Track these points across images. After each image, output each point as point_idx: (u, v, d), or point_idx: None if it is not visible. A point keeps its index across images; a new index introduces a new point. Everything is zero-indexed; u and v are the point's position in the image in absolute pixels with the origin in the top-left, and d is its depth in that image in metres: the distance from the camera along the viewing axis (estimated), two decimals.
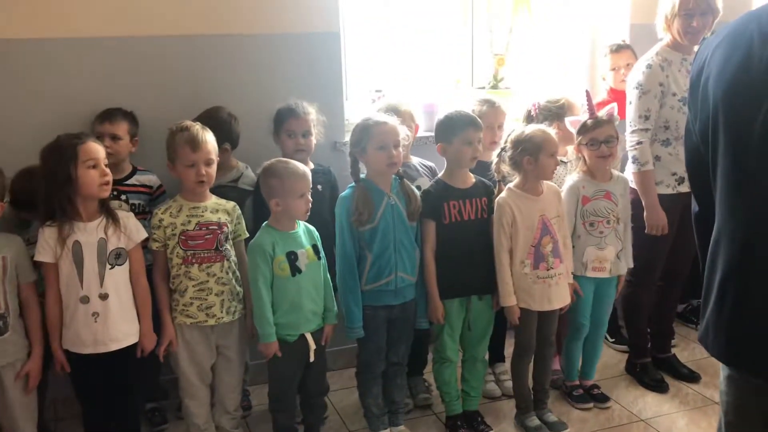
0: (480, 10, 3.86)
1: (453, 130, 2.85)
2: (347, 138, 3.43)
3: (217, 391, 2.80)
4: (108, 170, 2.46)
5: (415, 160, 3.22)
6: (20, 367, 2.46)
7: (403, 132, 2.79)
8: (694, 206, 1.93)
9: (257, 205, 2.97)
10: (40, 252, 2.43)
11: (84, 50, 3.02)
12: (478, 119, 2.91)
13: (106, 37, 3.03)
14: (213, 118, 2.90)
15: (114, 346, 2.50)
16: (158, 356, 2.64)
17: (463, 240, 2.88)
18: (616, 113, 3.11)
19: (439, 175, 2.96)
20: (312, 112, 3.03)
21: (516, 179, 2.94)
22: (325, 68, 3.37)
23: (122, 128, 2.93)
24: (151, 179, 3.04)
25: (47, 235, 2.42)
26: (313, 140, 3.05)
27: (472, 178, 2.93)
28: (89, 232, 2.46)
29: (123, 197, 2.87)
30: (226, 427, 2.82)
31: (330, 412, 3.13)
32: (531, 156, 2.85)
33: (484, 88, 3.82)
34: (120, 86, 3.06)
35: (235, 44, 3.22)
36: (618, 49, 3.77)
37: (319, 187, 2.99)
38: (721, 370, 1.83)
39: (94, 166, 2.43)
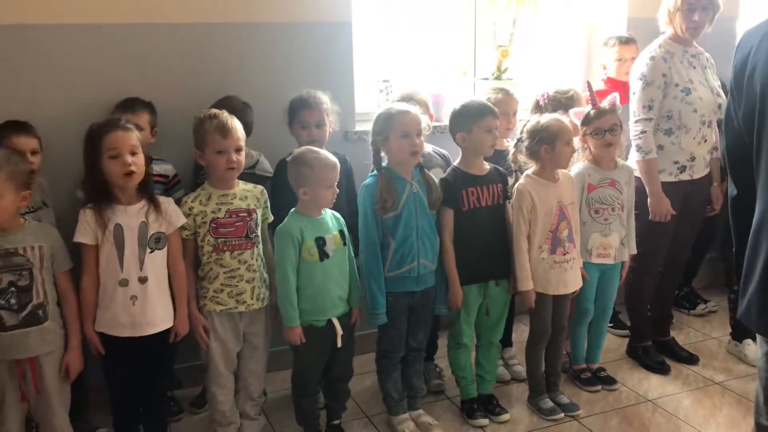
0: (483, 2, 3.89)
1: (472, 118, 2.87)
2: (358, 127, 3.46)
3: (241, 379, 2.79)
4: (130, 160, 2.42)
5: (429, 148, 3.23)
6: (59, 356, 2.44)
7: (425, 121, 2.81)
8: (732, 190, 1.99)
9: (275, 191, 2.96)
10: (80, 233, 2.41)
11: (101, 37, 2.97)
12: (495, 108, 2.94)
13: (122, 23, 2.99)
14: (226, 107, 2.86)
15: (150, 330, 2.49)
16: (198, 339, 2.64)
17: (481, 226, 2.91)
18: (618, 102, 3.18)
19: (455, 163, 2.98)
20: (325, 102, 3.01)
21: (533, 167, 2.99)
22: (336, 58, 3.37)
23: (143, 119, 2.89)
24: (166, 169, 3.01)
25: (88, 217, 2.42)
26: (327, 130, 3.04)
27: (487, 165, 2.96)
28: (130, 216, 2.46)
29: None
30: (249, 413, 2.82)
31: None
32: (548, 145, 2.89)
33: (487, 79, 3.86)
34: (135, 74, 3.03)
35: (250, 32, 3.20)
36: (627, 41, 3.85)
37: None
38: (759, 348, 1.91)
39: (116, 156, 2.41)
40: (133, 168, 2.42)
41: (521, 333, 3.54)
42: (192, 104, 2.92)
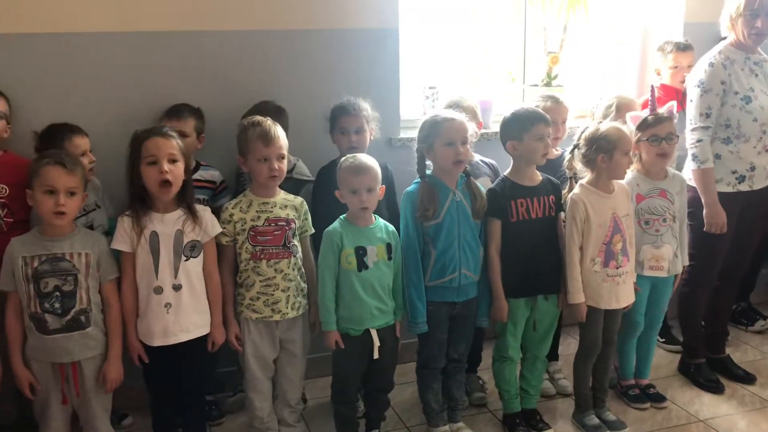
0: (533, 7, 3.78)
1: (523, 126, 2.75)
2: (402, 134, 3.39)
3: (279, 385, 2.74)
4: (167, 167, 2.38)
5: (477, 157, 3.14)
6: (100, 362, 2.43)
7: (471, 128, 2.71)
8: None
9: (315, 199, 2.92)
10: (117, 240, 2.41)
11: (150, 45, 2.96)
12: (546, 115, 2.82)
13: (170, 31, 2.98)
14: (261, 111, 2.81)
15: (184, 337, 2.46)
16: (231, 347, 2.61)
17: (530, 238, 2.79)
18: (675, 110, 3.04)
19: (505, 173, 2.87)
20: (365, 109, 2.94)
21: (588, 176, 2.86)
22: (382, 64, 3.29)
23: (189, 125, 2.88)
24: (214, 175, 2.99)
25: (125, 225, 2.42)
26: (368, 137, 2.97)
27: (539, 176, 2.84)
28: (166, 224, 2.44)
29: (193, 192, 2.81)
30: (287, 420, 2.77)
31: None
32: (605, 154, 2.76)
33: (537, 85, 3.74)
34: (183, 81, 3.02)
35: (296, 40, 3.15)
36: (684, 48, 3.67)
37: None
38: None
39: (154, 162, 2.39)
40: (168, 176, 2.38)
41: (569, 346, 3.42)
42: (239, 111, 2.89)
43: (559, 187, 2.90)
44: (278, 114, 2.90)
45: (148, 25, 2.95)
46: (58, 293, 2.33)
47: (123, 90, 2.95)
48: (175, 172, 2.41)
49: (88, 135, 2.72)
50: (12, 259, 2.32)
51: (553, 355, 3.32)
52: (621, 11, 4.01)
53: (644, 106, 3.13)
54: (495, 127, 3.04)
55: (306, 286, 2.70)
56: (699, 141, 3.11)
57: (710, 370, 3.37)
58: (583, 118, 3.47)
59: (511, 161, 2.86)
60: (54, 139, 2.60)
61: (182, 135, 2.80)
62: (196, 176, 2.90)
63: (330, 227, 2.61)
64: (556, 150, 3.14)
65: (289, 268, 2.61)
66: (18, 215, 2.58)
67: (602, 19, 4.00)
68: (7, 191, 2.61)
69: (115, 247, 2.42)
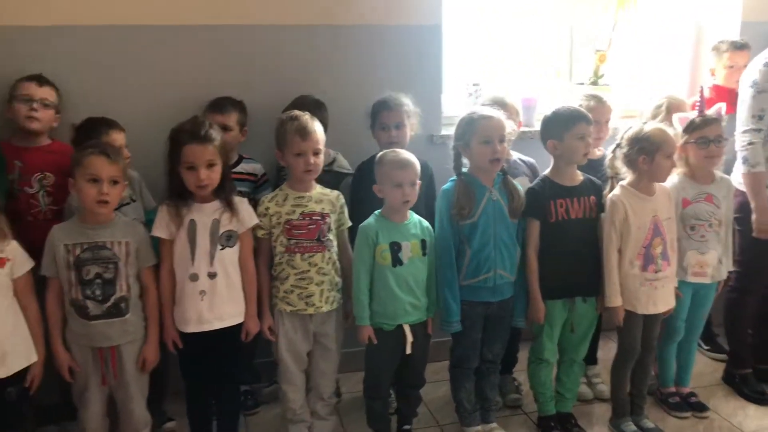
0: (582, 4, 3.70)
1: (564, 125, 2.70)
2: (444, 131, 3.36)
3: (312, 378, 2.75)
4: (204, 174, 2.40)
5: (515, 155, 3.09)
6: (139, 346, 2.49)
7: (509, 126, 2.67)
8: None
9: (354, 194, 2.92)
10: (157, 227, 2.46)
11: (194, 38, 3.01)
12: (588, 114, 2.76)
13: (216, 25, 3.02)
14: (299, 105, 2.82)
15: (218, 325, 2.49)
16: (264, 337, 2.64)
17: (569, 239, 2.73)
18: (724, 112, 2.93)
19: (545, 172, 2.82)
20: (405, 104, 2.93)
21: (629, 177, 2.78)
22: (424, 61, 3.27)
23: (232, 118, 2.91)
24: (255, 168, 3.02)
25: (165, 213, 2.46)
26: (408, 132, 2.95)
27: (580, 176, 2.78)
28: (204, 213, 2.47)
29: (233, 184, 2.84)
30: (320, 413, 2.78)
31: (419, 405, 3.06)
32: (647, 156, 2.68)
33: (583, 84, 3.66)
34: (227, 74, 3.05)
35: (339, 35, 3.16)
36: (741, 47, 3.54)
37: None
38: None
39: (192, 168, 2.42)
40: (206, 182, 2.42)
41: (609, 350, 3.33)
42: (282, 104, 2.91)
43: (601, 188, 2.83)
44: (317, 108, 2.90)
45: (194, 18, 2.99)
46: (99, 280, 2.39)
47: (167, 82, 3.00)
48: (213, 176, 2.44)
49: (125, 130, 2.75)
50: (54, 246, 2.38)
51: (591, 359, 3.26)
52: (673, 9, 3.89)
53: (693, 107, 3.03)
54: (538, 126, 2.98)
55: (341, 280, 2.70)
56: (750, 143, 2.99)
57: (757, 380, 3.25)
58: (630, 119, 3.37)
59: (552, 160, 2.81)
60: (91, 132, 2.65)
61: (225, 128, 2.85)
62: (238, 169, 2.95)
63: (365, 222, 2.61)
64: (599, 150, 3.07)
65: (323, 262, 2.61)
66: (62, 203, 2.66)
67: (653, 17, 3.89)
68: (53, 180, 2.70)
69: (155, 234, 2.46)
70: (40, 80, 2.74)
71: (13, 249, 2.32)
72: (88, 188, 2.34)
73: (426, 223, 2.69)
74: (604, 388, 3.17)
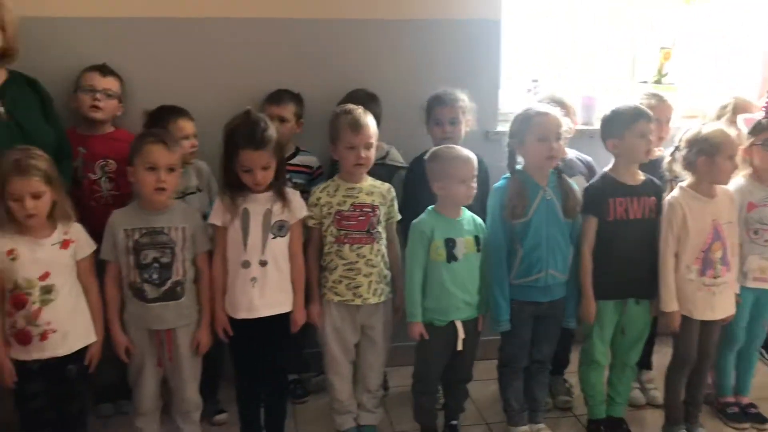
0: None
1: (624, 123, 2.64)
2: (500, 128, 3.32)
3: (359, 370, 2.77)
4: (260, 176, 2.44)
5: (572, 154, 3.04)
6: (192, 330, 2.55)
7: (566, 124, 2.62)
8: None
9: (407, 188, 2.92)
10: (213, 215, 2.51)
11: (255, 31, 3.05)
12: (649, 111, 2.68)
13: (276, 18, 3.06)
14: (353, 99, 2.83)
15: (267, 312, 2.52)
16: (313, 325, 2.67)
17: (625, 239, 2.67)
18: None
19: (606, 169, 2.76)
20: (461, 100, 2.90)
21: (688, 179, 2.70)
22: (482, 56, 3.24)
23: (289, 110, 2.95)
24: (311, 160, 3.05)
25: (221, 201, 2.50)
26: (462, 128, 2.92)
27: (642, 176, 2.71)
28: (258, 202, 2.51)
29: (287, 176, 2.88)
30: (367, 405, 2.80)
31: (467, 402, 3.04)
32: (707, 157, 2.60)
33: (646, 82, 3.56)
34: (286, 67, 3.08)
35: (395, 29, 3.15)
36: None
37: None
38: None
39: (249, 171, 2.45)
40: (261, 182, 2.46)
41: (665, 356, 3.24)
42: (338, 98, 2.93)
43: (662, 189, 2.76)
44: (371, 101, 2.91)
45: (254, 11, 3.03)
46: (156, 264, 2.46)
47: (227, 74, 3.05)
48: (268, 176, 2.47)
49: (194, 120, 2.82)
50: (113, 231, 2.46)
51: (645, 364, 3.17)
52: (745, 5, 3.74)
53: (762, 108, 2.91)
54: (598, 124, 2.92)
55: (389, 273, 2.70)
56: None
57: None
58: (693, 118, 3.27)
59: (612, 159, 2.75)
60: (160, 119, 2.74)
61: (282, 120, 2.90)
62: (294, 161, 2.99)
63: (419, 219, 2.60)
64: (659, 150, 2.98)
65: (371, 254, 2.62)
66: (123, 189, 2.74)
67: (723, 14, 3.75)
68: (115, 166, 2.79)
69: (211, 221, 2.51)
70: (104, 71, 2.84)
71: (77, 231, 2.42)
72: (146, 176, 2.41)
73: (479, 220, 2.67)
74: (658, 394, 3.08)
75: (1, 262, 2.28)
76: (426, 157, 2.65)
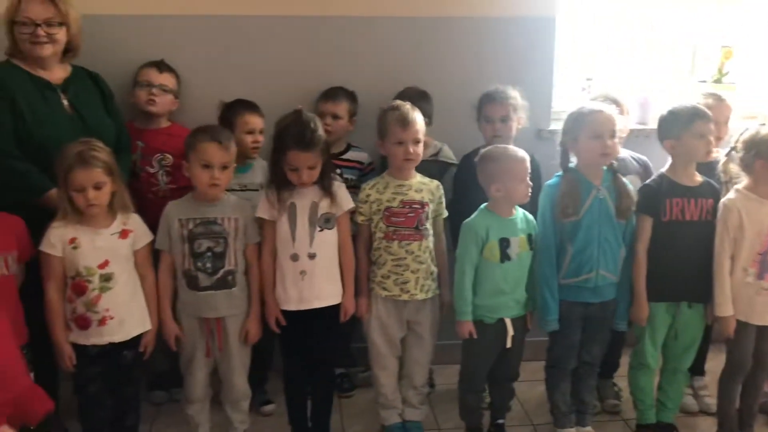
0: None
1: (681, 124, 2.59)
2: (552, 126, 3.28)
3: (405, 366, 2.78)
4: (306, 176, 2.48)
5: (626, 153, 2.98)
6: (242, 320, 2.60)
7: (621, 122, 2.59)
8: None
9: (457, 186, 2.91)
10: (261, 209, 2.55)
11: (311, 29, 3.09)
12: (708, 111, 2.62)
13: (331, 16, 3.09)
14: (405, 96, 2.83)
15: (316, 304, 2.56)
16: (360, 320, 2.70)
17: (681, 241, 2.61)
18: None
19: (663, 169, 2.70)
20: (513, 97, 2.87)
21: (745, 181, 2.62)
22: (536, 53, 3.20)
23: (342, 108, 2.98)
24: (363, 156, 3.07)
25: (268, 196, 2.54)
26: (514, 126, 2.89)
27: (699, 177, 2.65)
28: (304, 196, 2.54)
29: (338, 171, 2.90)
30: (412, 401, 2.81)
31: (513, 403, 3.02)
32: (765, 160, 2.52)
33: (705, 81, 3.47)
34: (340, 64, 3.11)
35: (448, 26, 3.14)
36: None
37: None
38: None
39: (296, 170, 2.48)
40: (306, 181, 2.50)
41: (719, 362, 3.15)
42: (389, 95, 2.93)
43: (719, 191, 2.68)
44: (422, 99, 2.91)
45: (309, 9, 3.07)
46: (210, 254, 2.52)
47: (281, 71, 3.09)
48: (314, 174, 2.50)
49: (264, 116, 2.86)
50: (168, 221, 2.53)
51: (698, 370, 3.09)
52: None
53: None
54: (653, 124, 2.86)
55: (436, 269, 2.71)
56: None
57: None
58: (752, 119, 3.17)
59: (669, 159, 2.70)
60: (231, 112, 2.82)
61: (335, 117, 2.93)
62: (346, 156, 3.03)
63: (472, 219, 2.58)
64: (717, 151, 2.90)
65: (420, 250, 2.63)
66: (180, 182, 2.80)
67: None
68: (172, 160, 2.86)
69: (259, 215, 2.55)
70: (161, 67, 2.91)
71: (135, 222, 2.49)
72: (200, 172, 2.46)
73: (530, 216, 2.65)
74: (711, 402, 3.01)
75: (63, 251, 2.37)
76: (477, 158, 2.63)
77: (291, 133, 2.46)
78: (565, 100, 3.40)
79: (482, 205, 2.61)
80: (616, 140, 2.57)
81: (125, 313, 2.44)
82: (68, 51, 2.68)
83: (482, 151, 2.63)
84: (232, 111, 2.82)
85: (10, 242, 2.34)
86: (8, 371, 2.13)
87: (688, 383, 2.97)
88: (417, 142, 2.60)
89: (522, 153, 2.55)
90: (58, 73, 2.66)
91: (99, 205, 2.37)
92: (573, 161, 2.65)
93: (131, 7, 2.97)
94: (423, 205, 2.63)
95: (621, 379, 3.09)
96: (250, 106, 2.85)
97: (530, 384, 3.10)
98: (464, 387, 2.75)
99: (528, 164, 2.54)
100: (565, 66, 3.43)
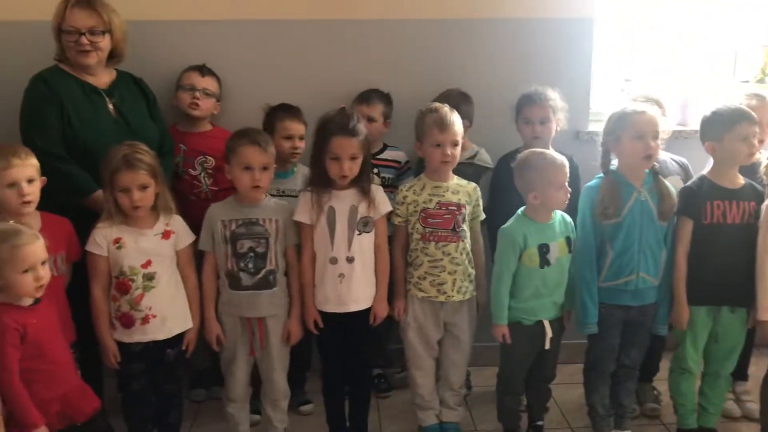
0: None
1: (723, 126, 2.55)
2: (591, 128, 3.26)
3: (442, 367, 2.78)
4: (347, 166, 2.48)
5: (665, 155, 2.94)
6: (283, 320, 2.62)
7: (663, 123, 2.55)
8: None
9: (494, 187, 2.91)
10: (299, 213, 2.57)
11: (347, 32, 3.11)
12: (752, 112, 2.57)
13: (367, 20, 3.11)
14: (445, 99, 2.82)
15: (353, 307, 2.58)
16: (393, 321, 2.70)
17: (722, 244, 2.57)
18: None
19: (704, 171, 2.66)
20: (552, 99, 2.86)
21: None
22: (573, 55, 3.18)
23: (377, 110, 2.99)
24: (399, 155, 3.08)
25: (306, 199, 2.56)
26: (553, 127, 2.88)
27: (742, 180, 2.60)
28: (342, 200, 2.56)
29: (375, 170, 2.92)
30: (449, 402, 2.81)
31: (551, 405, 2.99)
32: None
33: (747, 82, 3.41)
34: (376, 67, 3.13)
35: (486, 28, 3.14)
36: None
37: None
38: None
39: (336, 159, 2.49)
40: (347, 173, 2.50)
41: (763, 367, 3.10)
42: (427, 97, 2.92)
43: (763, 194, 2.63)
44: (463, 101, 2.92)
45: (345, 14, 3.10)
46: (252, 254, 2.55)
47: (320, 75, 3.12)
48: (354, 168, 2.51)
49: (305, 121, 2.88)
50: (212, 222, 2.56)
51: (741, 374, 3.03)
52: None
53: None
54: (692, 125, 2.83)
55: (473, 271, 2.70)
56: None
57: None
58: None
59: (711, 161, 2.65)
60: (272, 116, 2.86)
61: (369, 119, 2.94)
62: (383, 156, 3.05)
63: (509, 225, 2.56)
64: (760, 153, 2.85)
65: (456, 251, 2.62)
66: (222, 184, 2.85)
67: None
68: (214, 163, 2.90)
69: (297, 219, 2.57)
70: (203, 71, 2.96)
71: (177, 223, 2.54)
72: (242, 175, 2.50)
73: (568, 218, 2.63)
74: (754, 407, 2.94)
75: (108, 250, 2.43)
76: (515, 164, 2.61)
77: (335, 120, 2.50)
78: (603, 101, 3.37)
79: (519, 210, 2.59)
80: (659, 142, 2.54)
81: (167, 312, 2.49)
82: (113, 56, 2.74)
83: (519, 156, 2.61)
84: (273, 115, 2.86)
85: (59, 243, 2.40)
86: (58, 369, 2.21)
87: (730, 388, 2.91)
88: (455, 144, 2.59)
89: (561, 158, 2.53)
90: (103, 78, 2.73)
91: (143, 207, 2.43)
92: (614, 163, 2.63)
93: (174, 13, 3.03)
94: (460, 206, 2.62)
95: (660, 382, 3.05)
96: (291, 112, 2.87)
97: (567, 387, 3.07)
98: (502, 389, 2.74)
99: (567, 170, 2.52)
100: (603, 67, 3.39)
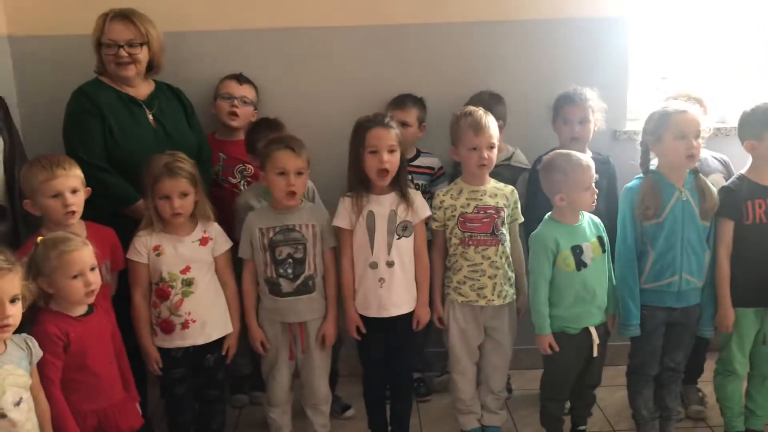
0: None
1: (763, 123, 2.48)
2: (628, 127, 3.20)
3: (483, 371, 2.75)
4: (386, 158, 2.47)
5: (706, 153, 2.87)
6: (320, 323, 2.61)
7: (705, 122, 2.49)
8: None
9: (531, 186, 2.86)
10: (338, 218, 2.56)
11: (380, 38, 3.11)
12: None
13: (400, 24, 3.10)
14: (477, 101, 2.81)
15: (394, 312, 2.56)
16: (435, 326, 2.68)
17: (765, 244, 2.50)
18: None
19: (743, 171, 2.59)
20: (591, 99, 2.83)
21: None
22: (609, 54, 3.13)
23: (411, 115, 2.98)
24: (433, 161, 3.07)
25: (346, 204, 2.56)
26: (591, 127, 2.85)
27: None
28: (382, 204, 2.55)
29: (409, 177, 2.88)
30: (490, 406, 2.77)
31: (593, 408, 2.94)
32: None
33: None
34: (409, 72, 3.12)
35: (522, 29, 3.12)
36: None
37: (596, 176, 2.79)
38: None
39: (375, 152, 2.48)
40: (386, 166, 2.48)
41: None
42: (460, 101, 2.91)
43: None
44: (495, 102, 2.89)
45: (378, 19, 3.09)
46: (290, 260, 2.54)
47: (353, 80, 3.12)
48: (393, 162, 2.50)
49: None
50: (250, 230, 2.56)
51: None
52: None
53: None
54: (731, 122, 2.76)
55: (513, 275, 2.67)
56: None
57: None
58: None
59: (750, 159, 2.58)
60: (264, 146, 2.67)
61: (404, 125, 2.91)
62: (416, 162, 3.02)
63: (539, 231, 2.52)
64: None
65: (496, 255, 2.59)
66: None
67: None
68: (253, 170, 2.92)
69: (336, 224, 2.56)
70: (240, 79, 2.98)
71: (215, 230, 2.55)
72: (277, 180, 2.49)
73: (596, 219, 2.58)
74: None
75: (148, 257, 2.45)
76: (540, 166, 2.58)
77: (369, 118, 2.52)
78: (640, 100, 3.30)
79: (546, 216, 2.55)
80: (701, 141, 2.48)
81: (207, 317, 2.50)
82: (151, 68, 2.77)
83: (544, 159, 2.58)
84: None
85: (104, 252, 2.41)
86: (99, 382, 2.19)
87: None
88: (491, 147, 2.56)
89: (586, 159, 2.48)
90: (142, 89, 2.76)
91: (183, 214, 2.45)
92: (653, 163, 2.57)
93: (210, 23, 3.05)
94: (498, 210, 2.59)
95: (706, 384, 2.97)
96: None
97: (610, 389, 3.01)
98: (548, 396, 2.69)
99: (593, 171, 2.47)
100: (639, 65, 3.32)
